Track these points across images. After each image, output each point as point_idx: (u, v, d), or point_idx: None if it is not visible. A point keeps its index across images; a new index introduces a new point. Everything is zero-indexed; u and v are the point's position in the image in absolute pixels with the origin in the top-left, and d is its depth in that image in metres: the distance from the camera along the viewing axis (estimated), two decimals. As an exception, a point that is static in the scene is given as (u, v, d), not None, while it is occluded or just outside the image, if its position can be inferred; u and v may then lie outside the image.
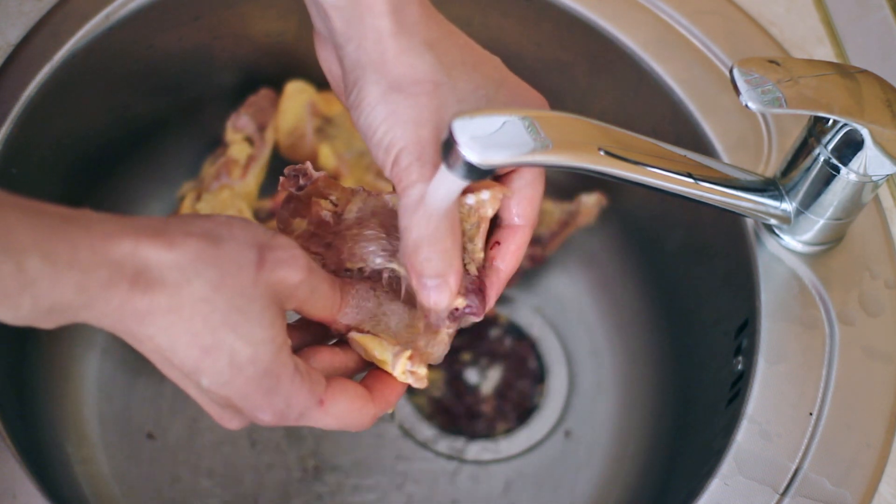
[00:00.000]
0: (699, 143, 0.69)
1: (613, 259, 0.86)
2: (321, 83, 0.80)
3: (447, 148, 0.45)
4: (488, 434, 0.83)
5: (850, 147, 0.58)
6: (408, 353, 0.51)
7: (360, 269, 0.52)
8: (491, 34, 0.77)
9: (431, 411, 0.83)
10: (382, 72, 0.49)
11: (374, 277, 0.52)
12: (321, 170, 0.55)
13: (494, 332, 0.86)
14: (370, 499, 0.79)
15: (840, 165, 0.58)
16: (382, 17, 0.49)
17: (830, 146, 0.58)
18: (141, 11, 0.70)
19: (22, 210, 0.41)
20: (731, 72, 0.54)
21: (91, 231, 0.42)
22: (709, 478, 0.59)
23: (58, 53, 0.68)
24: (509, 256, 0.52)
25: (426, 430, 0.82)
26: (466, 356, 0.85)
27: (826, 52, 0.72)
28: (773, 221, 0.63)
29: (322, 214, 0.53)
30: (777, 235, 0.65)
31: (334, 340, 0.53)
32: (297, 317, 0.51)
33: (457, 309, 0.51)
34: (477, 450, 0.82)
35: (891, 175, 0.59)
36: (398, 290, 0.52)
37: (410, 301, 0.52)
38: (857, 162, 0.58)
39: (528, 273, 0.86)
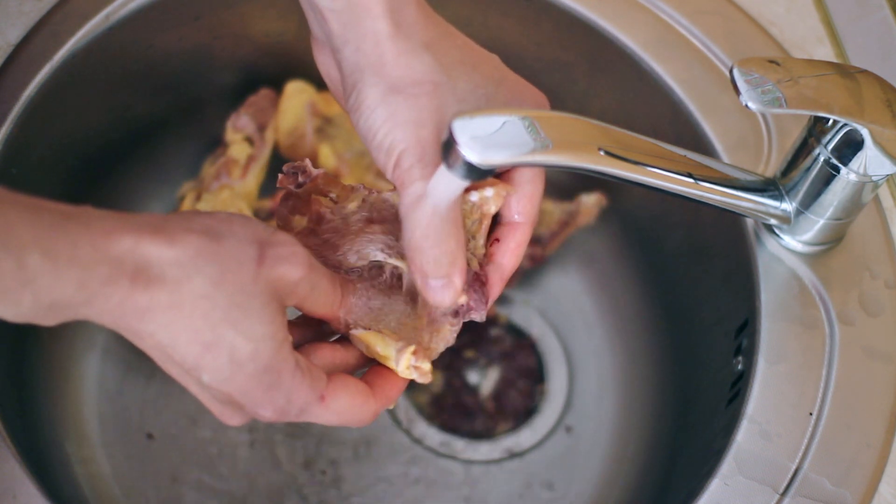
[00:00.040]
0: (699, 143, 0.69)
1: (613, 259, 0.86)
2: (321, 83, 0.80)
3: (447, 148, 0.45)
4: (488, 434, 0.83)
5: (850, 147, 0.58)
6: (412, 348, 0.51)
7: (361, 266, 0.52)
8: (491, 34, 0.77)
9: (431, 411, 0.83)
10: (381, 74, 0.49)
11: (374, 274, 0.52)
12: (320, 167, 0.55)
13: (494, 332, 0.86)
14: (370, 499, 0.79)
15: (840, 165, 0.58)
16: (380, 20, 0.48)
17: (830, 146, 0.58)
18: (141, 11, 0.70)
19: (22, 207, 0.41)
20: (731, 72, 0.54)
21: (91, 228, 0.42)
22: (709, 478, 0.59)
23: (58, 53, 0.68)
24: (509, 254, 0.52)
25: (426, 430, 0.82)
26: (466, 356, 0.85)
27: (826, 52, 0.72)
28: (773, 221, 0.63)
29: (322, 211, 0.53)
30: (777, 235, 0.65)
31: (335, 337, 0.53)
32: (298, 314, 0.51)
33: (461, 305, 0.51)
34: (477, 450, 0.82)
35: (891, 175, 0.59)
36: (399, 285, 0.52)
37: (412, 296, 0.52)
38: (857, 162, 0.58)
39: (528, 273, 0.86)
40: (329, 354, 0.51)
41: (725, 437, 0.61)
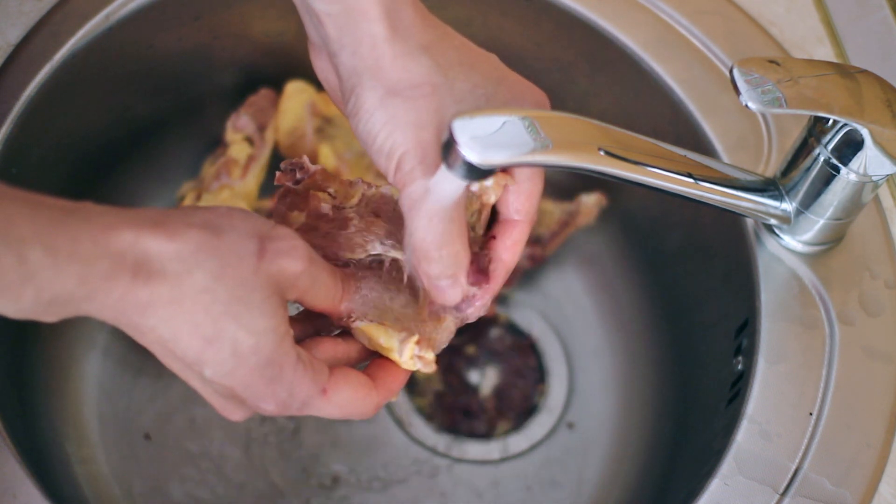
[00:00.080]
0: (699, 143, 0.69)
1: (613, 259, 0.86)
2: (321, 83, 0.80)
3: (447, 148, 0.45)
4: (488, 434, 0.83)
5: (850, 147, 0.58)
6: (415, 338, 0.51)
7: (361, 259, 0.52)
8: (491, 34, 0.77)
9: (431, 411, 0.83)
10: (379, 77, 0.49)
11: (375, 266, 0.52)
12: (318, 164, 0.55)
13: (494, 332, 0.86)
14: (370, 499, 0.79)
15: (840, 165, 0.58)
16: (376, 23, 0.48)
17: (830, 146, 0.58)
18: (141, 11, 0.70)
19: (22, 202, 0.41)
20: (731, 72, 0.54)
21: (92, 223, 0.42)
22: (709, 478, 0.59)
23: (58, 53, 0.68)
24: (507, 251, 0.52)
25: (425, 430, 0.82)
26: (467, 356, 0.85)
27: (826, 52, 0.72)
28: (773, 221, 0.63)
29: (321, 207, 0.53)
30: (777, 235, 0.65)
31: (337, 332, 0.53)
32: (299, 309, 0.51)
33: (465, 296, 0.51)
34: (477, 450, 0.82)
35: (891, 175, 0.58)
36: (400, 278, 0.52)
37: (412, 288, 0.52)
38: (857, 162, 0.58)
39: (528, 273, 0.86)
40: (330, 348, 0.51)
41: (725, 437, 0.61)
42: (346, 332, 0.52)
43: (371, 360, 0.52)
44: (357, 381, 0.49)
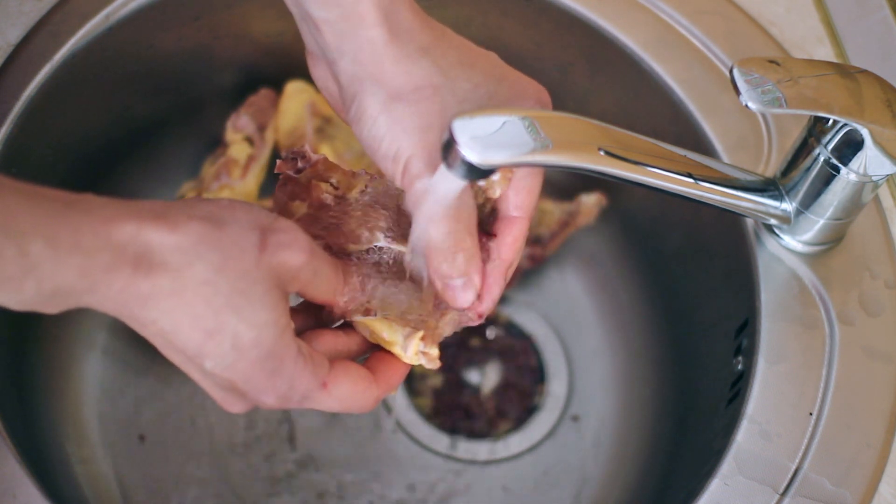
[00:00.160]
0: (699, 143, 0.69)
1: (613, 259, 0.86)
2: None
3: (447, 148, 0.45)
4: (488, 434, 0.83)
5: (850, 147, 0.58)
6: (420, 333, 0.50)
7: (363, 251, 0.52)
8: (491, 34, 0.77)
9: (431, 411, 0.83)
10: (380, 82, 0.48)
11: (377, 259, 0.52)
12: (320, 153, 0.55)
13: (494, 332, 0.86)
14: (370, 500, 0.79)
15: (840, 165, 0.58)
16: (375, 28, 0.48)
17: (830, 146, 0.58)
18: (141, 11, 0.70)
19: (23, 194, 0.41)
20: (731, 72, 0.54)
21: (93, 215, 0.42)
22: (709, 478, 0.59)
23: (58, 53, 0.68)
24: (506, 248, 0.52)
25: (425, 430, 0.82)
26: (467, 356, 0.85)
27: (826, 52, 0.72)
28: (773, 221, 0.63)
29: (323, 197, 0.53)
30: (777, 235, 0.65)
31: (338, 324, 0.53)
32: (300, 301, 0.51)
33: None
34: (477, 450, 0.82)
35: (891, 175, 0.58)
36: (402, 270, 0.52)
37: (415, 281, 0.52)
38: (857, 162, 0.58)
39: (528, 273, 0.86)
40: (331, 341, 0.51)
41: (725, 437, 0.61)
42: (347, 325, 0.52)
43: (371, 352, 0.52)
44: (357, 375, 0.49)
